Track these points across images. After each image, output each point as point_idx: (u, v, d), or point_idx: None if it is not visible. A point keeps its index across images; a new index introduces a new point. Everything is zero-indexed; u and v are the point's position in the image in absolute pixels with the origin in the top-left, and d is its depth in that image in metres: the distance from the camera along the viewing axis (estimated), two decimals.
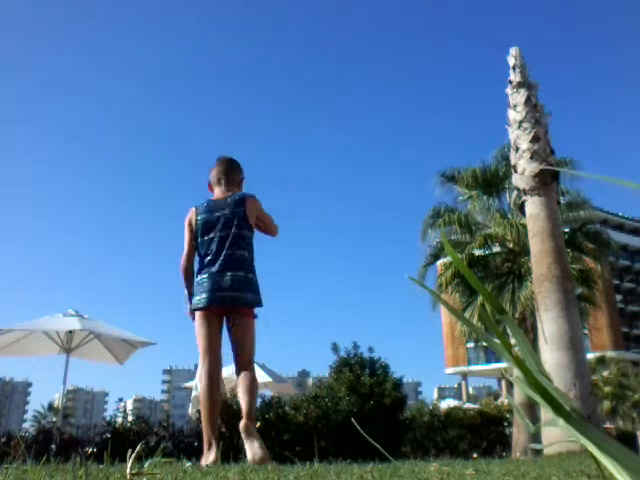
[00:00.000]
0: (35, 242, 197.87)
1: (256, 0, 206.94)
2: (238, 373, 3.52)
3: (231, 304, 3.55)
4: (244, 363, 3.53)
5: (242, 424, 3.30)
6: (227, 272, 3.56)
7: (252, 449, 3.23)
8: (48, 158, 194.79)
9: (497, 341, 0.38)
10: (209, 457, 3.34)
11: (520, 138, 9.10)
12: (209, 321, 3.56)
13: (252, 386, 3.43)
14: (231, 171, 3.95)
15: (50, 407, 64.04)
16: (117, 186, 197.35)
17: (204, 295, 3.55)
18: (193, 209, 3.81)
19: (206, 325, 3.55)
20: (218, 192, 3.89)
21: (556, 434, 6.35)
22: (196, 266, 3.78)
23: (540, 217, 8.44)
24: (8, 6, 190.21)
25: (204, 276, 3.60)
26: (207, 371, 3.49)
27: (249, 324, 3.61)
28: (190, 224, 3.76)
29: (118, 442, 7.44)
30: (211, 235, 3.67)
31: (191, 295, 3.67)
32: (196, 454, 4.40)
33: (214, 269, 3.58)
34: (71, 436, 8.82)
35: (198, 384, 3.65)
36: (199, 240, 3.71)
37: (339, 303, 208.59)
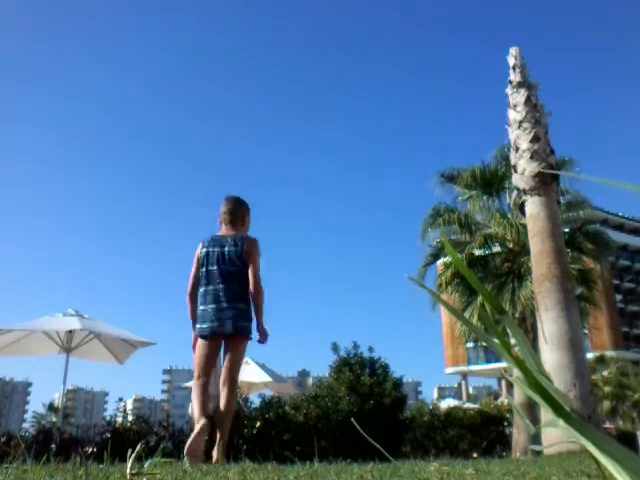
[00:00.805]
0: (35, 242, 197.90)
1: (256, 0, 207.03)
2: (222, 386, 4.05)
3: (228, 333, 4.06)
4: (228, 380, 4.03)
5: (214, 459, 3.74)
6: (226, 304, 4.06)
7: None
8: (48, 158, 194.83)
9: (497, 341, 0.38)
10: (196, 427, 3.73)
11: (520, 138, 9.10)
12: (209, 347, 4.08)
13: (229, 409, 3.95)
14: (237, 211, 4.37)
15: (50, 407, 64.00)
16: (117, 186, 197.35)
17: (206, 325, 4.05)
18: (201, 243, 4.28)
19: (206, 350, 4.07)
20: (224, 229, 4.35)
21: (556, 434, 6.35)
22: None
23: (540, 217, 8.44)
24: (8, 6, 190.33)
25: (206, 307, 4.09)
26: (201, 387, 3.97)
27: (241, 349, 4.15)
28: (198, 257, 4.23)
29: (118, 442, 7.45)
30: (212, 268, 4.14)
31: (195, 321, 4.17)
32: None
33: (215, 301, 4.07)
34: (71, 436, 8.82)
35: (193, 394, 4.06)
36: (201, 270, 4.17)
37: (339, 303, 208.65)
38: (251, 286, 4.11)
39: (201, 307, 4.10)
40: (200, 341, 4.09)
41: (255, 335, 4.11)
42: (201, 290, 4.13)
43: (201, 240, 4.31)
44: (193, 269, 4.22)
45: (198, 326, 4.08)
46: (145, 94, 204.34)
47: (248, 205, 4.48)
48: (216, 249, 4.16)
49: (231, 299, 4.05)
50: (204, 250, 4.18)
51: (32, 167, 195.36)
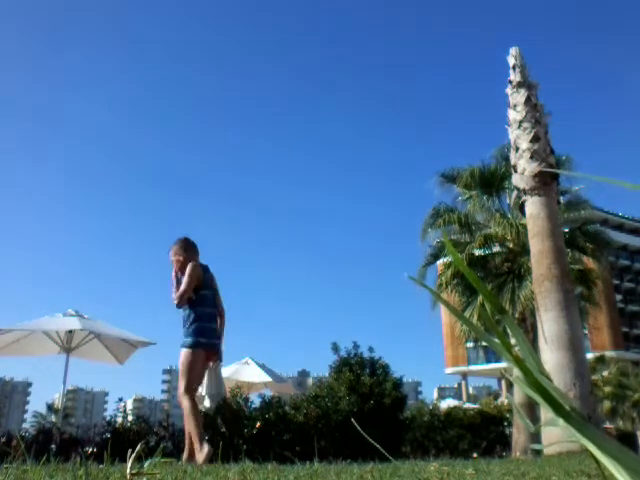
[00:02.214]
0: (35, 242, 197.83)
1: (257, 2, 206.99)
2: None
3: (218, 349, 4.76)
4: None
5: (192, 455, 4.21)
6: (215, 324, 4.73)
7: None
8: (48, 158, 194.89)
9: (497, 341, 0.38)
10: (204, 450, 4.08)
11: (520, 138, 9.11)
12: (201, 359, 4.57)
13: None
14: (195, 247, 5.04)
15: (50, 407, 63.97)
16: (117, 185, 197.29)
17: (203, 340, 4.57)
18: (201, 266, 4.77)
19: (199, 362, 4.56)
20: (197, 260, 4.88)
21: (556, 434, 6.35)
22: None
23: (540, 217, 8.44)
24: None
25: (205, 324, 4.61)
26: (191, 399, 4.43)
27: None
28: (199, 277, 4.68)
29: (118, 442, 7.44)
30: (209, 292, 4.74)
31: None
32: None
33: (211, 320, 4.68)
34: (71, 436, 8.81)
35: (183, 402, 4.47)
36: (201, 292, 4.67)
37: (339, 303, 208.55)
38: (220, 310, 4.82)
39: (208, 324, 4.64)
40: (195, 352, 4.51)
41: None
42: (205, 310, 4.66)
43: (200, 264, 4.80)
44: (192, 284, 4.62)
45: (206, 340, 4.57)
46: (145, 94, 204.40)
47: None
48: (209, 276, 4.78)
49: (216, 320, 4.76)
50: (205, 275, 4.71)
51: (32, 166, 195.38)
